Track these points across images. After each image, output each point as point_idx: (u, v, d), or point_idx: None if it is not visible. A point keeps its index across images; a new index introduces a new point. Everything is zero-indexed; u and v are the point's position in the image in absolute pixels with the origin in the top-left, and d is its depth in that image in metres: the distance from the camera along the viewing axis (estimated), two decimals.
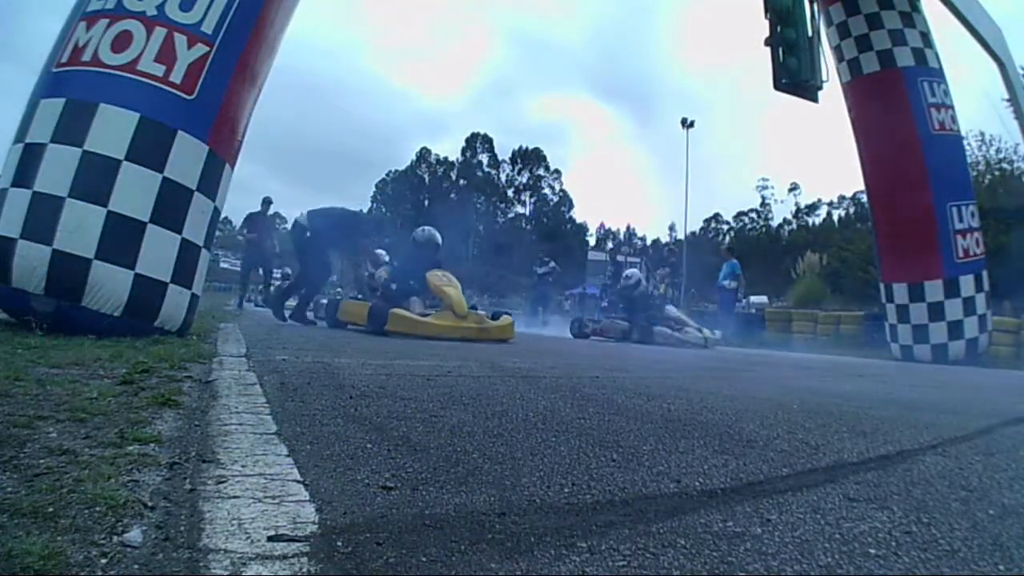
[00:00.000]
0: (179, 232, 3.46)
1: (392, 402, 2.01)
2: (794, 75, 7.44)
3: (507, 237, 65.08)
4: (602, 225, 72.04)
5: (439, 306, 6.26)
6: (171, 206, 3.41)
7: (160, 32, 3.40)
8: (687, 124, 26.79)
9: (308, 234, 6.82)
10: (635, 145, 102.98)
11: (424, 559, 0.80)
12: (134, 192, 3.27)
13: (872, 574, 0.82)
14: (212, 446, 1.27)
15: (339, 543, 0.83)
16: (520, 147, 68.52)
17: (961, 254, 7.58)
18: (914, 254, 7.79)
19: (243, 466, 1.14)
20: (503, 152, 68.80)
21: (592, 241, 69.35)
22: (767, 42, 7.63)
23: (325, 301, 7.88)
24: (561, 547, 0.86)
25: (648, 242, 69.22)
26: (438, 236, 7.02)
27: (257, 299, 15.81)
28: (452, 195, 67.57)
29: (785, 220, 69.09)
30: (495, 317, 6.60)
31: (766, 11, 7.56)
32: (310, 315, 7.21)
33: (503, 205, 69.29)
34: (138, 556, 0.75)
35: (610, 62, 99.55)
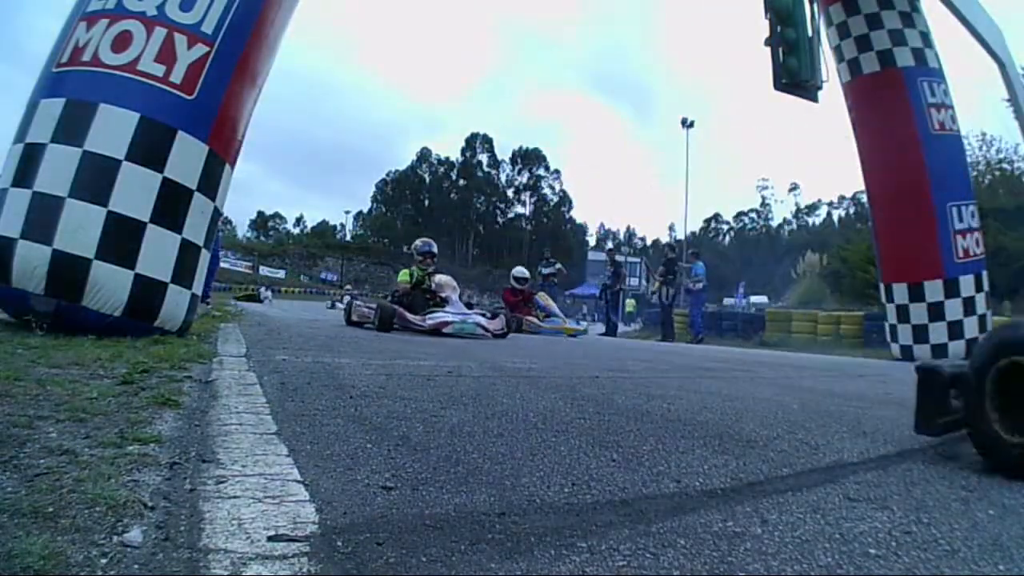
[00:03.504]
0: (179, 232, 3.46)
1: (392, 402, 2.01)
2: (794, 75, 7.43)
3: (507, 237, 65.15)
4: (602, 225, 72.20)
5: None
6: (171, 206, 3.41)
7: (160, 32, 3.40)
8: (687, 124, 26.81)
9: None
10: (635, 145, 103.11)
11: (424, 559, 0.80)
12: (134, 192, 3.27)
13: (872, 574, 0.82)
14: (212, 446, 1.27)
15: (339, 543, 0.83)
16: (520, 147, 68.60)
17: (961, 254, 7.58)
18: (914, 254, 7.79)
19: (243, 466, 1.14)
20: (503, 152, 68.84)
21: (592, 241, 69.47)
22: (767, 42, 7.63)
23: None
24: (561, 547, 0.86)
25: (648, 242, 69.41)
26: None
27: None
28: (452, 195, 67.58)
29: (785, 220, 69.24)
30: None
31: (766, 11, 7.56)
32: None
33: (503, 205, 69.29)
34: (138, 556, 0.75)
35: (610, 63, 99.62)
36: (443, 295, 7.09)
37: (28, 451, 1.10)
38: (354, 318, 7.16)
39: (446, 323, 6.44)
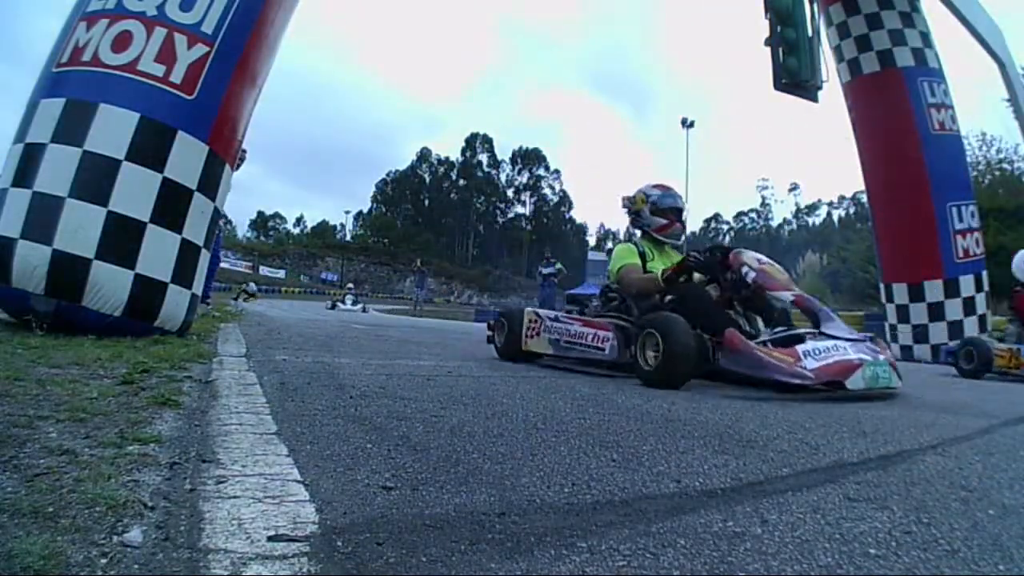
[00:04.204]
0: (179, 232, 3.46)
1: (392, 402, 2.01)
2: (794, 75, 7.45)
3: (507, 237, 65.16)
4: (602, 225, 72.27)
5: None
6: (171, 206, 3.41)
7: (160, 32, 3.40)
8: (687, 124, 26.82)
9: None
10: (635, 145, 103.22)
11: (424, 559, 0.80)
12: (134, 192, 3.27)
13: (872, 574, 0.82)
14: (212, 446, 1.27)
15: (339, 543, 0.83)
16: (520, 147, 68.64)
17: (961, 254, 7.59)
18: (914, 254, 7.81)
19: (243, 466, 1.15)
20: (503, 152, 68.85)
21: (592, 241, 69.52)
22: (767, 42, 7.64)
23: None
24: (561, 547, 0.86)
25: None
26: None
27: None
28: (452, 195, 67.59)
29: (785, 220, 69.35)
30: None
31: (766, 11, 7.57)
32: None
33: (503, 205, 69.30)
34: (138, 556, 0.75)
35: (610, 63, 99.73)
36: (780, 296, 3.15)
37: (28, 451, 1.10)
38: (532, 345, 3.69)
39: (851, 367, 2.80)
